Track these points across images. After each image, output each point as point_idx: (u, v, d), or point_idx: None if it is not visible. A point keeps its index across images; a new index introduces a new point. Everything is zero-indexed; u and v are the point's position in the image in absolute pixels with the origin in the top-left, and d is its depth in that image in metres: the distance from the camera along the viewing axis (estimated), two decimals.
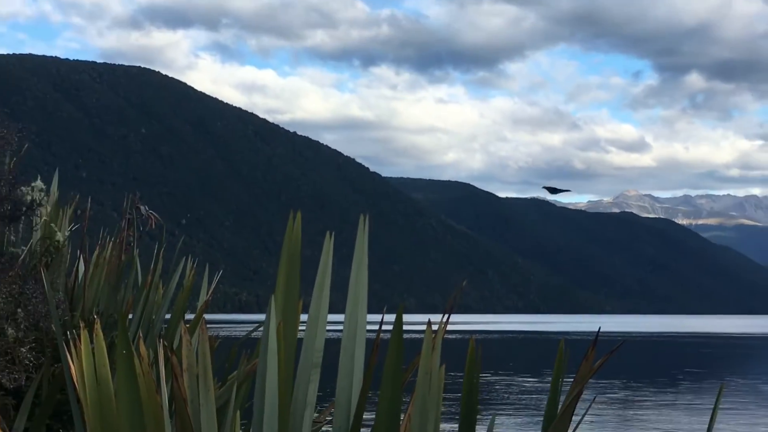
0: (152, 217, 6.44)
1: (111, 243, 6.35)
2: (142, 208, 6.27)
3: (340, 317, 2.78)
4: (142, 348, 2.61)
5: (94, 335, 2.73)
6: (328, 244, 2.57)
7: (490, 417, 2.65)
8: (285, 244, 2.45)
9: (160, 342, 3.09)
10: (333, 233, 2.61)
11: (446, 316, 2.59)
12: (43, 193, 5.15)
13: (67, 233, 5.95)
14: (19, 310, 4.51)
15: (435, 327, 2.54)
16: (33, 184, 5.07)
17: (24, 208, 4.87)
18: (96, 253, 6.29)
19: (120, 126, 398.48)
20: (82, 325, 2.68)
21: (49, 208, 5.39)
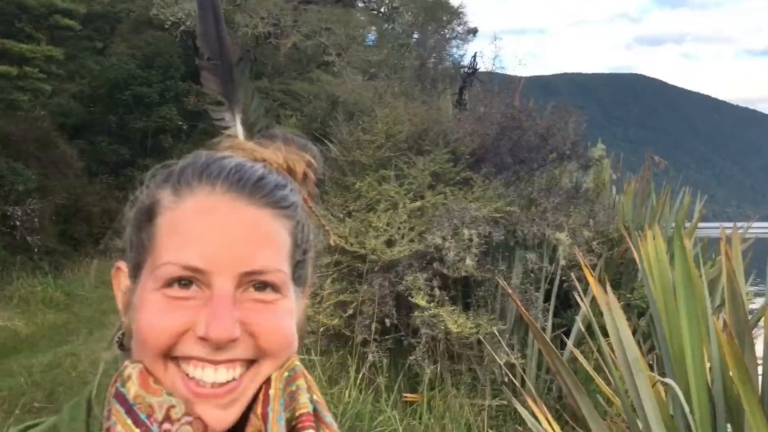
0: (661, 162, 7.27)
1: (634, 180, 7.27)
2: (655, 157, 7.13)
3: None
4: (687, 243, 3.49)
5: (655, 235, 3.69)
6: None
7: None
8: None
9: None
10: None
11: None
12: (603, 152, 6.22)
13: (612, 175, 6.93)
14: (590, 221, 5.63)
15: None
16: (596, 147, 6.17)
17: (592, 162, 6.01)
18: (625, 185, 7.23)
19: None
20: (647, 227, 3.65)
21: (603, 162, 6.41)
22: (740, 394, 2.35)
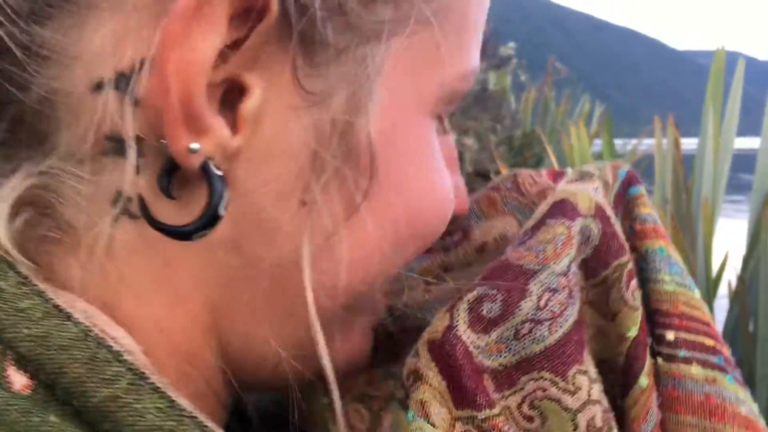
0: (563, 69, 7.28)
1: (534, 87, 7.23)
2: (557, 64, 7.12)
3: None
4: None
5: (578, 131, 3.60)
6: None
7: None
8: None
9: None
10: None
11: None
12: (513, 51, 6.04)
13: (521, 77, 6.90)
14: (496, 125, 5.49)
15: None
16: (505, 45, 5.98)
17: (502, 62, 5.83)
18: (527, 92, 7.18)
19: None
20: (570, 124, 3.55)
21: (512, 63, 6.30)
22: None
